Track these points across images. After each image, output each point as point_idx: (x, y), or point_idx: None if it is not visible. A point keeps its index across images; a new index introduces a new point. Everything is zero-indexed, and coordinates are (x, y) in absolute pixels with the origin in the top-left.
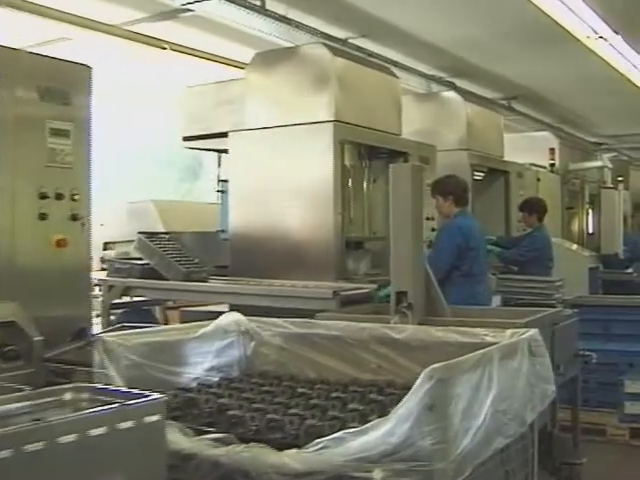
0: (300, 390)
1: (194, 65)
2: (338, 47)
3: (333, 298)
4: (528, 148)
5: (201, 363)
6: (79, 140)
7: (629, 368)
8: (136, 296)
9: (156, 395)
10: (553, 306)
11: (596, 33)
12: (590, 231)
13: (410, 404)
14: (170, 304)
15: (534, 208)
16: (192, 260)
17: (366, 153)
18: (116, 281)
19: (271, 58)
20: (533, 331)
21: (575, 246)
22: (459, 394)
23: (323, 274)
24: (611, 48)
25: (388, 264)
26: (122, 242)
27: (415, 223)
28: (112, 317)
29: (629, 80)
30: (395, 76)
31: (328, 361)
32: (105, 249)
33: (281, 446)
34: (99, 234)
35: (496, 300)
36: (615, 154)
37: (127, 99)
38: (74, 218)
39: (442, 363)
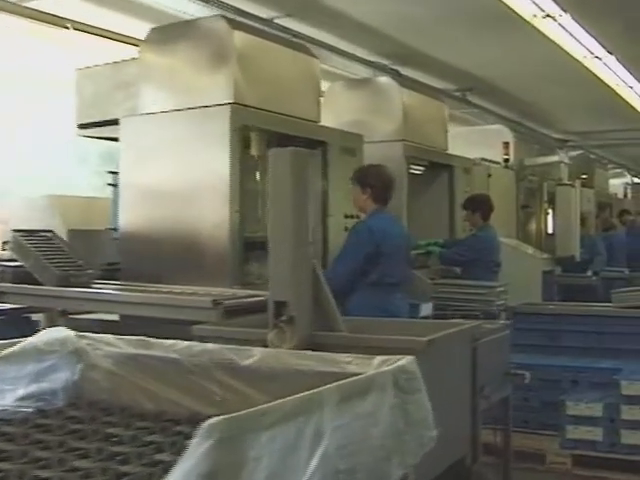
0: (110, 430)
1: (94, 45)
2: (242, 21)
3: (213, 308)
4: (482, 142)
5: (11, 391)
6: None
7: (572, 386)
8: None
9: None
10: (494, 314)
11: (543, 11)
12: (550, 232)
13: (180, 474)
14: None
15: (478, 206)
16: (74, 262)
17: (278, 142)
18: None
19: (167, 34)
20: (406, 360)
21: (529, 248)
22: (259, 457)
23: (220, 279)
24: (561, 30)
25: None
26: None
27: (297, 220)
28: None
29: (587, 69)
30: (313, 56)
31: (165, 390)
32: (4, 249)
33: None
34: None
35: (427, 309)
36: (581, 152)
37: (28, 88)
38: None
39: (230, 415)
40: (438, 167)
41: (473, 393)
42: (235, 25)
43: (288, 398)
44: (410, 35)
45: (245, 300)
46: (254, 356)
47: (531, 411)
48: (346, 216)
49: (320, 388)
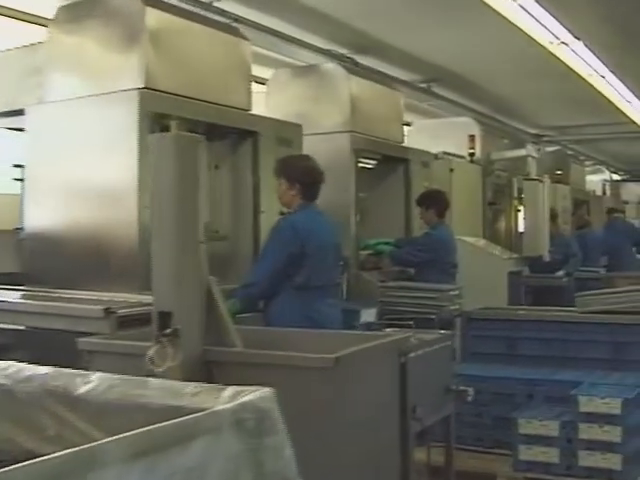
0: None
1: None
2: None
3: (104, 317)
4: (447, 135)
5: None
6: None
7: (527, 401)
8: None
9: None
10: (446, 320)
11: None
12: (522, 230)
13: None
14: None
15: (432, 202)
16: None
17: (204, 133)
18: None
19: (76, 12)
20: (259, 394)
21: (495, 247)
22: None
23: (130, 283)
24: (525, 14)
25: (234, 269)
26: None
27: (183, 216)
28: None
29: (557, 58)
30: (243, 38)
31: None
32: None
33: None
34: None
35: (369, 315)
36: (558, 147)
37: None
38: None
39: None
40: (393, 161)
41: (403, 415)
42: (148, 2)
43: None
44: (369, 22)
45: (142, 309)
46: (90, 383)
47: (484, 428)
48: (281, 213)
49: (101, 441)
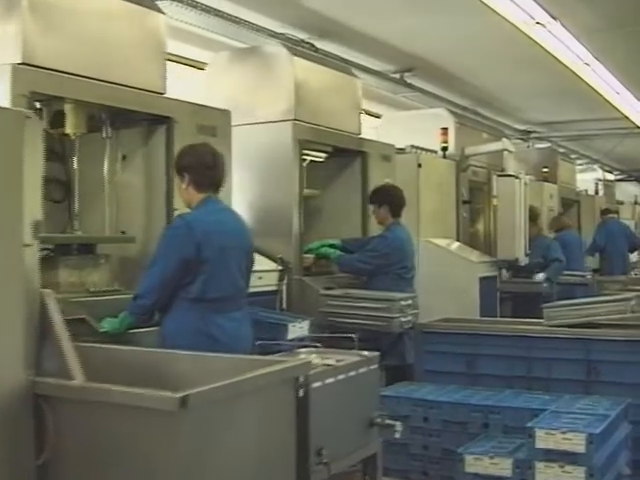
0: None
1: None
2: None
3: None
4: (420, 128)
5: None
6: None
7: (483, 431)
8: None
9: None
10: (395, 333)
11: None
12: None
13: None
14: None
15: (384, 199)
16: None
17: (109, 118)
18: None
19: None
20: None
21: (468, 250)
22: None
23: None
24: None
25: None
26: None
27: None
28: None
29: (538, 44)
30: (156, 9)
31: None
32: None
33: None
34: None
35: (299, 329)
36: (549, 144)
37: None
38: None
39: None
40: (349, 154)
41: (302, 460)
42: None
43: None
44: (331, 4)
45: None
46: None
47: (431, 461)
48: None
49: None
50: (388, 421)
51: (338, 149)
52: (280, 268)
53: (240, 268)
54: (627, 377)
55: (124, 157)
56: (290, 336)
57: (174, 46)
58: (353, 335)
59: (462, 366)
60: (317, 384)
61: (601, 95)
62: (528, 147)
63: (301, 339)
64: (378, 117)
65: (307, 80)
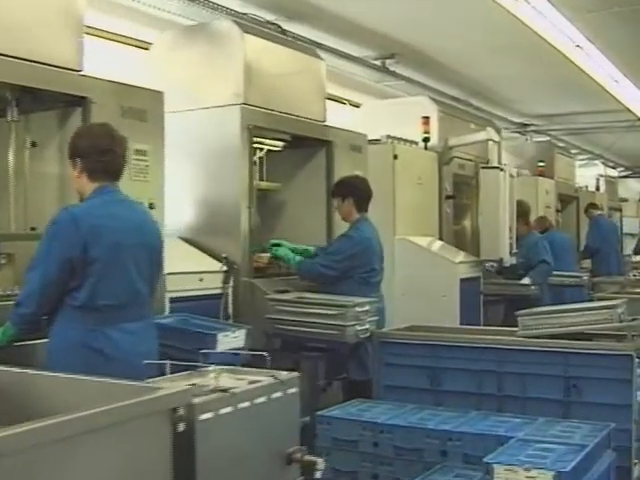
0: None
1: None
2: None
3: None
4: (401, 118)
5: None
6: None
7: (440, 459)
8: None
9: None
10: (349, 344)
11: None
12: None
13: None
14: None
15: (348, 191)
16: None
17: (14, 99)
18: None
19: None
20: None
21: (448, 249)
22: None
23: None
24: None
25: None
26: None
27: None
28: None
29: (533, 31)
30: None
31: None
32: None
33: None
34: None
35: (235, 339)
36: (548, 138)
37: None
38: None
39: None
40: (314, 144)
41: None
42: None
43: None
44: None
45: None
46: None
47: None
48: None
49: None
50: (308, 457)
51: (299, 137)
52: (225, 269)
53: (141, 270)
54: (612, 397)
55: (34, 144)
56: (220, 348)
57: (124, 26)
58: (264, 353)
59: (425, 382)
60: (206, 415)
61: (599, 84)
62: (527, 140)
63: (236, 352)
64: (357, 106)
65: (260, 60)
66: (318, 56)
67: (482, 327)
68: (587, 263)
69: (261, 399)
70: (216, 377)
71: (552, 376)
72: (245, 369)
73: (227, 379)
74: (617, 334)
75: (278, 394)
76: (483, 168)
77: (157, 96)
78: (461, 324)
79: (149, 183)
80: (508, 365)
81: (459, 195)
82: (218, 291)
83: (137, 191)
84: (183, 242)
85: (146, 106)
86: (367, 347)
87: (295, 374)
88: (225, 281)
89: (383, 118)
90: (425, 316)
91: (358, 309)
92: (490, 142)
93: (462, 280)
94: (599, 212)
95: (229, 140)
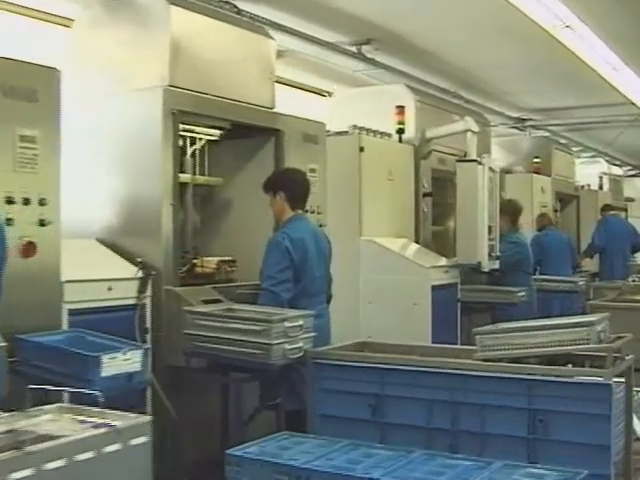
0: None
1: None
2: None
3: None
4: (376, 109)
5: None
6: None
7: None
8: None
9: None
10: (287, 367)
11: None
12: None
13: None
14: None
15: (280, 185)
16: None
17: None
18: None
19: None
20: None
21: (424, 253)
22: None
23: None
24: None
25: None
26: None
27: None
28: None
29: (526, 15)
30: None
31: None
32: None
33: None
34: None
35: (127, 361)
36: (547, 134)
37: None
38: None
39: None
40: (264, 134)
41: None
42: None
43: None
44: None
45: None
46: None
47: None
48: (8, 201)
49: None
50: None
51: (241, 126)
52: (141, 275)
53: None
54: (586, 436)
55: None
56: (105, 373)
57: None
58: (95, 392)
59: (366, 412)
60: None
61: (596, 72)
62: (526, 135)
63: (129, 376)
64: (323, 94)
65: (191, 37)
66: (267, 34)
67: (441, 345)
68: (588, 266)
69: (84, 455)
70: (52, 420)
71: (514, 408)
72: (95, 410)
73: (63, 423)
74: (592, 355)
75: (114, 447)
76: (459, 161)
77: (50, 74)
78: (435, 337)
79: (39, 175)
80: (463, 394)
81: (440, 193)
82: (132, 301)
83: (24, 184)
84: (99, 244)
85: (36, 85)
86: (301, 370)
87: (143, 419)
88: (141, 290)
89: (356, 108)
90: (393, 328)
91: (288, 324)
92: (469, 133)
93: (435, 287)
94: (613, 212)
95: (150, 127)
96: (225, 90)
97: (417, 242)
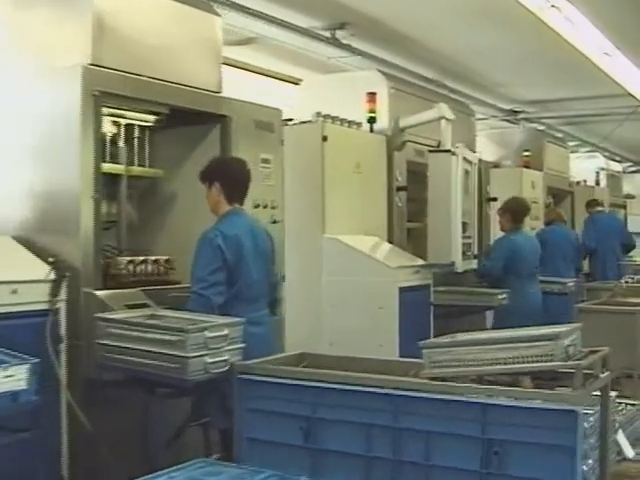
0: None
1: None
2: None
3: None
4: (348, 96)
5: None
6: None
7: None
8: None
9: None
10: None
11: None
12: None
13: None
14: None
15: (216, 175)
16: None
17: None
18: None
19: None
20: None
21: (395, 252)
22: None
23: None
24: None
25: None
26: None
27: None
28: None
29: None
30: None
31: None
32: None
33: None
34: None
35: (9, 378)
36: (542, 127)
37: None
38: None
39: None
40: (208, 120)
41: None
42: None
43: None
44: None
45: None
46: None
47: None
48: None
49: None
50: None
51: (181, 111)
52: (53, 277)
53: None
54: (547, 471)
55: None
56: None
57: None
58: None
59: (298, 436)
60: None
61: (590, 60)
62: (518, 129)
63: (14, 396)
64: (297, 83)
65: (119, 12)
66: (211, 10)
67: (390, 359)
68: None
69: None
70: None
71: (466, 437)
72: None
73: None
74: (558, 372)
75: None
76: (431, 152)
77: None
78: (405, 343)
79: None
80: (407, 419)
81: (417, 187)
82: (44, 306)
83: None
84: (14, 242)
85: None
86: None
87: None
88: (53, 293)
89: (326, 96)
90: (358, 333)
91: (209, 334)
92: (443, 121)
93: (403, 289)
94: (599, 209)
95: (68, 111)
96: (161, 71)
97: (390, 240)
